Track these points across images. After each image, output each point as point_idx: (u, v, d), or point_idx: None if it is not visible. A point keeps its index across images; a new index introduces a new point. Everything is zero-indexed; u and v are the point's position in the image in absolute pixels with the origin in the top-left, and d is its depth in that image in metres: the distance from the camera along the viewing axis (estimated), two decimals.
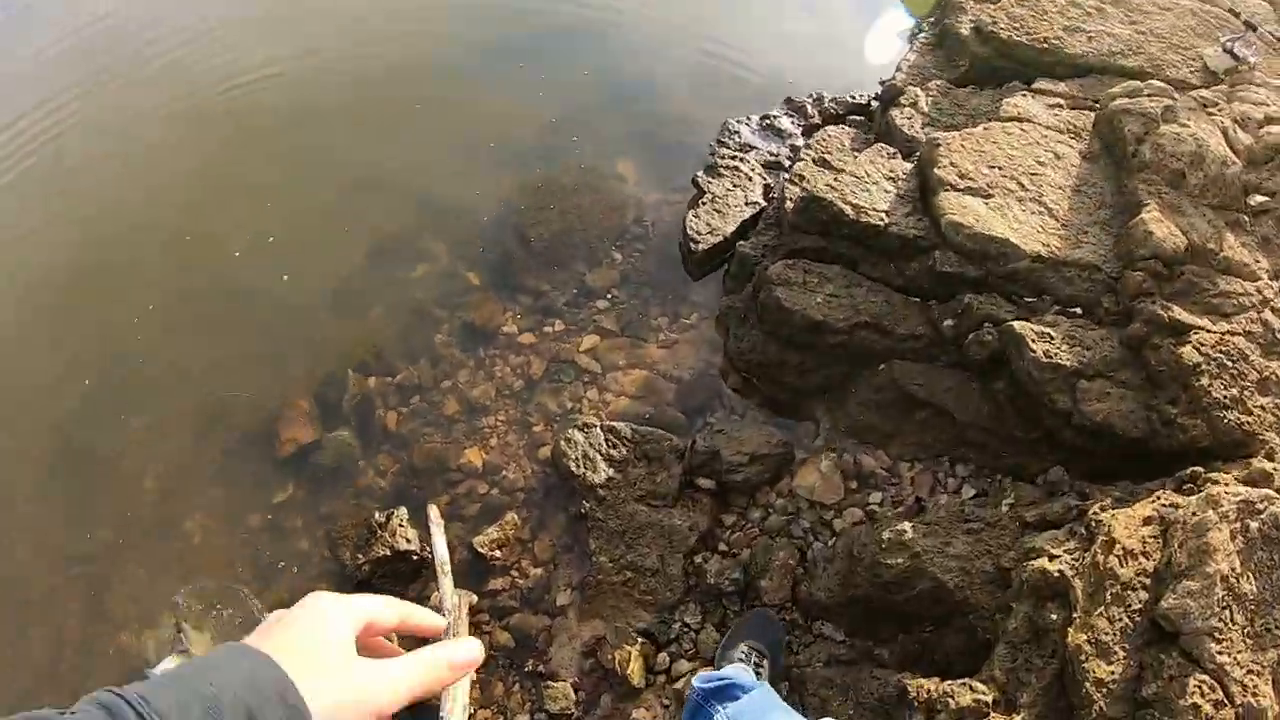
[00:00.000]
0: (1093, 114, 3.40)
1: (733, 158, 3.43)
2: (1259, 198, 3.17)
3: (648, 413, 3.00)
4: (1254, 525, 2.18)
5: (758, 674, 2.37)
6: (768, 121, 3.62)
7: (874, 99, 3.67)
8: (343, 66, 3.92)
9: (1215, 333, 2.79)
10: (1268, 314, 2.87)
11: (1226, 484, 2.51)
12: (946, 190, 2.97)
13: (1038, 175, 3.10)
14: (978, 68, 3.50)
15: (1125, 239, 2.96)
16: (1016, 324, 2.79)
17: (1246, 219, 3.08)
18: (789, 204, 3.08)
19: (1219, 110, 3.37)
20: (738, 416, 2.98)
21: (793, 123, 3.63)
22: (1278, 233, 3.11)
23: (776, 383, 2.97)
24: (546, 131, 3.69)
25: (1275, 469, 2.60)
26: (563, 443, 2.92)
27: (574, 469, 2.87)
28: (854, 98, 3.76)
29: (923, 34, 3.69)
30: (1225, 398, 2.62)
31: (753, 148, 3.53)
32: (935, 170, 3.00)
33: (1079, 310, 2.92)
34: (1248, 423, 2.63)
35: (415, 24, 4.07)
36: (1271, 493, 2.35)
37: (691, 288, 3.29)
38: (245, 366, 3.24)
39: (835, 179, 3.02)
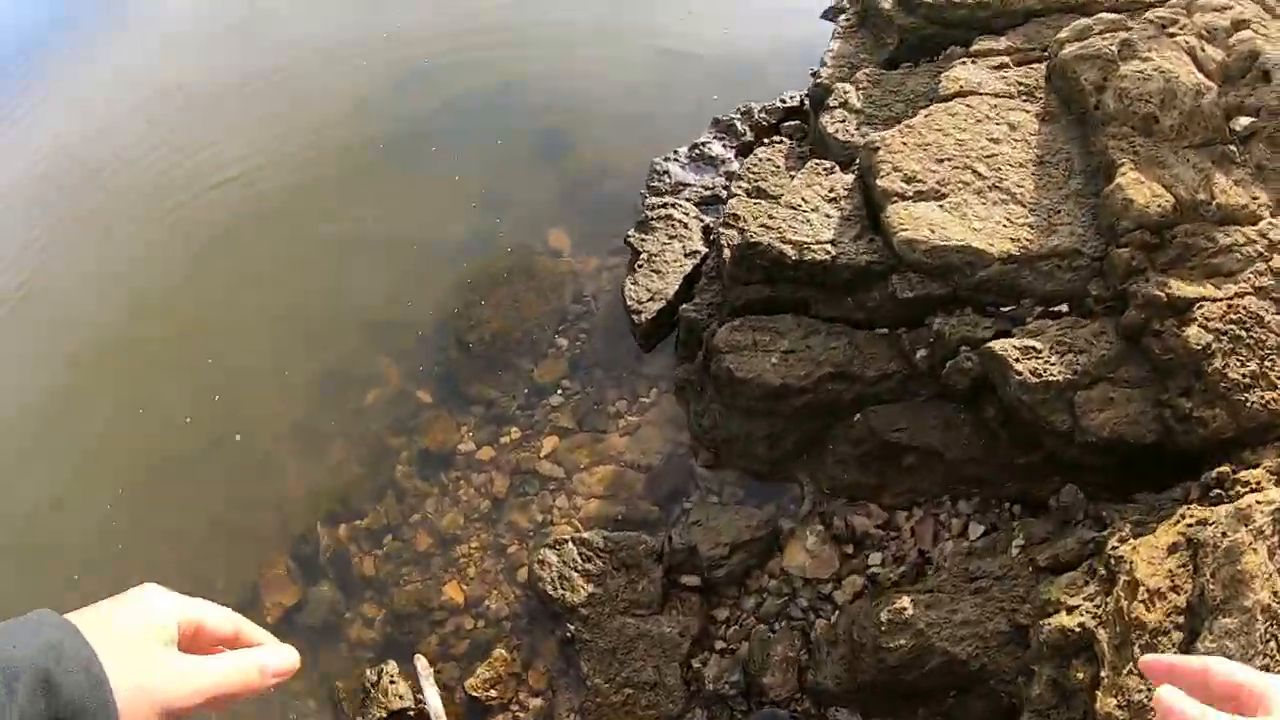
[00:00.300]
0: (1043, 65, 2.96)
1: (664, 206, 3.11)
2: (1244, 120, 2.72)
3: (619, 513, 2.75)
4: None
5: None
6: (697, 151, 3.28)
7: (804, 98, 3.29)
8: (246, 194, 3.70)
9: (1222, 299, 2.40)
10: (1277, 260, 2.44)
11: (1259, 484, 2.16)
12: (893, 202, 2.61)
13: (994, 156, 2.71)
14: (908, 42, 3.11)
15: (1103, 211, 2.56)
16: (996, 344, 2.44)
17: (1234, 149, 2.64)
18: (727, 252, 2.75)
19: (1180, 28, 2.91)
20: (714, 497, 2.70)
21: (724, 145, 3.29)
22: (1272, 155, 2.67)
23: (748, 455, 2.67)
24: (470, 216, 3.43)
25: None
26: (537, 566, 2.69)
27: (551, 592, 2.64)
28: (784, 101, 3.40)
29: (844, 16, 3.28)
30: (1244, 376, 2.25)
31: (685, 185, 3.20)
32: (878, 181, 2.65)
33: (1065, 307, 2.55)
34: (1275, 400, 2.26)
35: (309, 134, 3.82)
36: None
37: (645, 360, 3.01)
38: (216, 537, 3.10)
39: (771, 214, 2.69)
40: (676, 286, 2.92)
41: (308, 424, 3.25)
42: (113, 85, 4.45)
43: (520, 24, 4.16)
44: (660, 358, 3.02)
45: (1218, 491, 2.25)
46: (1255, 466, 2.24)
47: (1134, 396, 2.42)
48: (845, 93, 3.00)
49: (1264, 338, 2.37)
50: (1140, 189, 2.53)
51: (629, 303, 2.94)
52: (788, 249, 2.64)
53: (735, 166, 3.22)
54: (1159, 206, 2.49)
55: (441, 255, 3.35)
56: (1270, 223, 2.57)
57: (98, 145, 4.10)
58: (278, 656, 0.75)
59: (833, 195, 2.77)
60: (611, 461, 2.85)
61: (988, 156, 2.72)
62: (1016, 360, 2.43)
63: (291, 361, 3.33)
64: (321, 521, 3.08)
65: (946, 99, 2.87)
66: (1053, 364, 2.42)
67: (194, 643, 0.72)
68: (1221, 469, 2.26)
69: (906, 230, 2.55)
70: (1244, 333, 2.36)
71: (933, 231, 2.55)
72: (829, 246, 2.63)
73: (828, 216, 2.71)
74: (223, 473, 3.20)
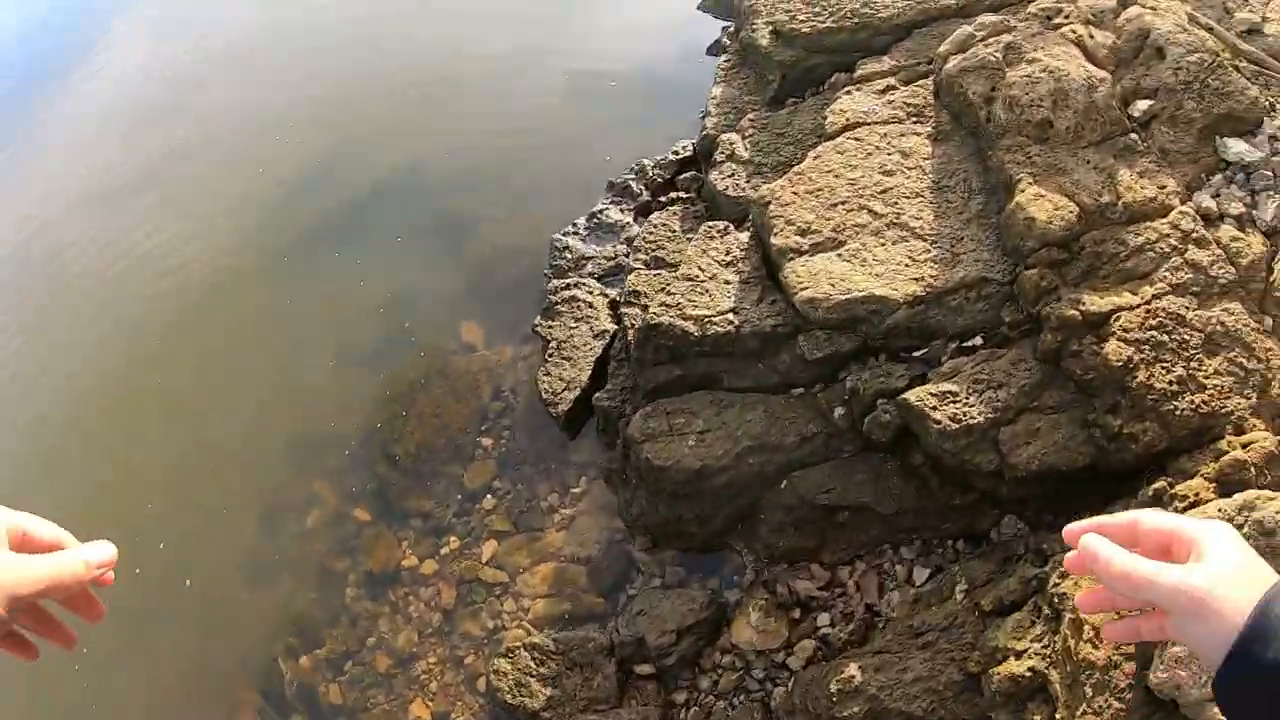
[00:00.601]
0: (930, 80, 2.80)
1: (567, 288, 2.99)
2: (1142, 104, 2.57)
3: (566, 610, 2.66)
4: None
5: None
6: (595, 220, 3.16)
7: (694, 145, 3.15)
8: (154, 333, 3.59)
9: (1139, 306, 2.27)
10: (1192, 251, 2.31)
11: (1198, 496, 2.05)
12: (791, 259, 2.48)
13: (888, 191, 2.57)
14: (791, 77, 2.96)
15: (1007, 233, 2.42)
16: (912, 394, 2.31)
17: (1136, 138, 2.50)
18: (631, 333, 2.63)
19: (1066, 17, 2.75)
20: (657, 579, 2.60)
21: (622, 210, 3.16)
22: (1174, 136, 2.52)
23: (682, 535, 2.56)
24: (380, 323, 3.32)
25: (1247, 449, 2.08)
26: (493, 676, 2.61)
27: (511, 700, 2.55)
28: (677, 152, 3.27)
29: (725, 56, 3.13)
30: (1171, 383, 2.11)
31: (587, 259, 3.08)
32: (772, 239, 2.52)
33: (979, 340, 2.41)
34: (1204, 402, 2.12)
35: (207, 259, 3.70)
36: (1251, 498, 1.86)
37: (571, 448, 2.91)
38: (185, 687, 3.03)
39: (670, 289, 2.58)
40: (589, 372, 2.81)
41: (254, 559, 3.18)
42: None
43: (407, 104, 4.03)
44: (586, 443, 2.91)
45: (1158, 508, 2.12)
46: (1193, 475, 2.12)
47: (1060, 421, 2.28)
48: (731, 144, 2.86)
49: (1187, 337, 2.23)
50: (1041, 204, 2.38)
51: (544, 396, 2.82)
52: (689, 326, 2.52)
53: (635, 230, 3.09)
54: (1063, 219, 2.35)
55: (358, 367, 3.25)
56: (1181, 211, 2.42)
57: None
58: (97, 549, 0.82)
59: (729, 258, 2.63)
60: (552, 558, 2.75)
61: (882, 192, 2.58)
62: (934, 409, 2.29)
63: (229, 497, 3.25)
64: (282, 656, 3.00)
65: (834, 136, 2.73)
66: (972, 406, 2.29)
67: (23, 548, 0.78)
68: (1158, 484, 2.13)
69: (807, 289, 2.42)
70: (1166, 337, 2.22)
71: (834, 286, 2.41)
72: (731, 316, 2.51)
73: (726, 283, 2.57)
74: (181, 621, 3.13)
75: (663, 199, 3.12)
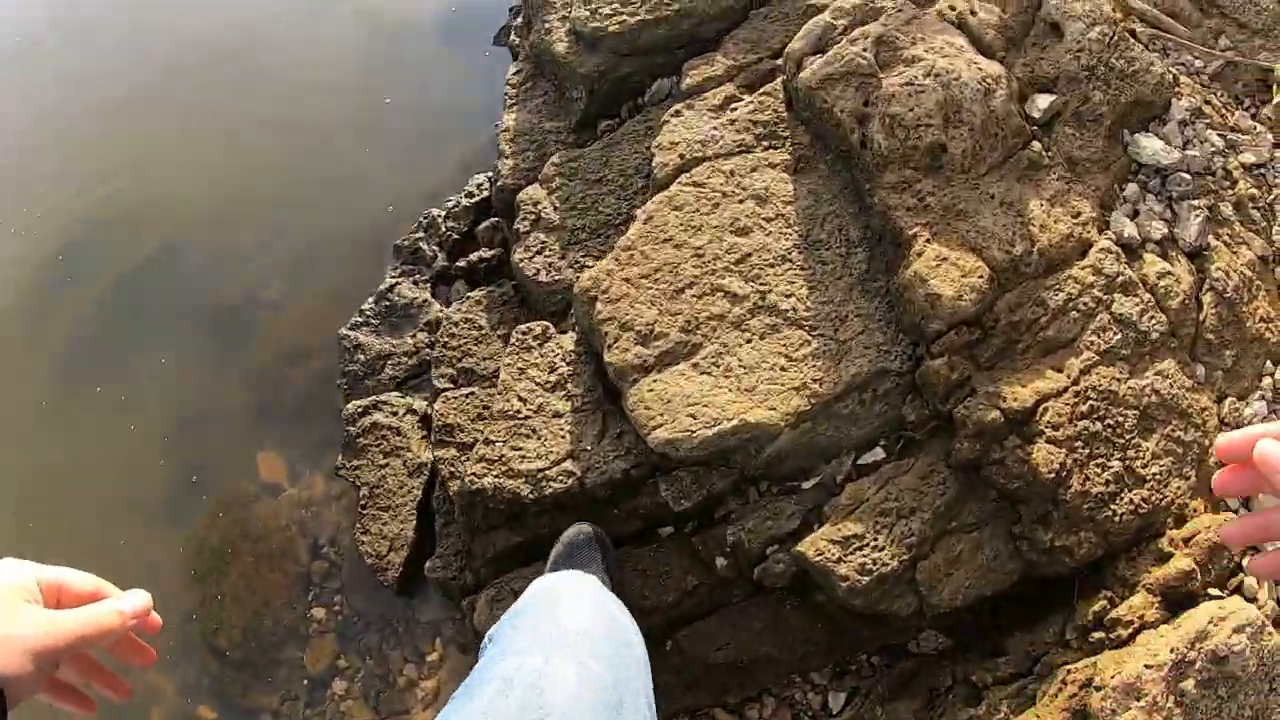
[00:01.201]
0: (779, 82, 2.08)
1: (366, 411, 2.24)
2: (1042, 100, 2.00)
3: None
4: (1189, 684, 1.52)
5: None
6: (386, 301, 2.36)
7: (490, 187, 2.36)
8: None
9: (1068, 388, 1.84)
10: (1119, 302, 1.89)
11: (1142, 619, 1.69)
12: (634, 380, 1.84)
13: (746, 258, 1.93)
14: (601, 92, 2.18)
15: (903, 308, 1.84)
16: (808, 546, 1.81)
17: (1040, 148, 1.93)
18: (451, 492, 1.95)
19: None
20: None
21: (416, 282, 2.38)
22: (1082, 138, 2.01)
23: None
24: (163, 476, 2.52)
25: (1190, 545, 1.77)
26: None
27: None
28: (471, 194, 2.46)
29: (514, 67, 2.27)
30: (1108, 483, 1.74)
31: (384, 358, 2.31)
32: (607, 357, 1.84)
33: (881, 451, 1.86)
34: (1144, 499, 1.76)
35: None
36: (1203, 624, 1.57)
37: (416, 605, 2.30)
38: None
39: (487, 439, 1.90)
40: (414, 523, 2.13)
41: None
42: None
43: (156, 174, 2.95)
44: (430, 599, 2.27)
45: (1099, 634, 1.75)
46: (1134, 587, 1.76)
47: (983, 539, 1.83)
48: (536, 205, 2.08)
49: (1121, 419, 1.78)
50: (945, 272, 1.79)
51: (368, 560, 2.14)
52: (520, 486, 1.86)
53: (435, 308, 2.31)
54: (974, 290, 1.78)
55: (150, 540, 2.45)
56: (1102, 249, 1.89)
57: None
58: (131, 598, 0.81)
59: (555, 377, 1.94)
60: None
61: (739, 262, 1.92)
62: (838, 561, 1.78)
63: (42, 713, 2.47)
64: None
65: (668, 182, 1.99)
66: (882, 549, 1.79)
67: (61, 603, 0.77)
68: (1097, 605, 1.75)
69: (660, 428, 1.78)
70: (1099, 425, 1.77)
71: (695, 417, 1.78)
72: (569, 465, 1.86)
73: (557, 416, 1.90)
74: None
75: (461, 263, 2.35)
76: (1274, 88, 2.21)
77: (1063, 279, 1.86)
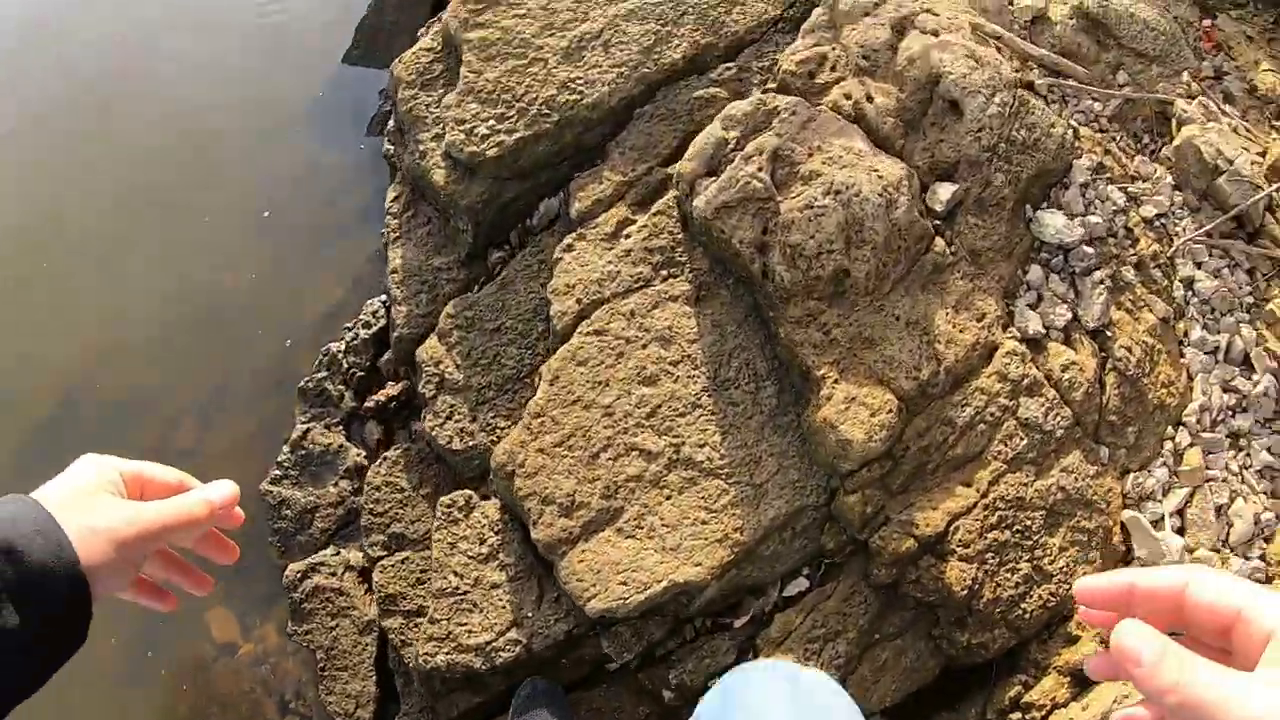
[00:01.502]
0: (671, 196, 1.95)
1: (306, 574, 2.19)
2: (944, 191, 1.96)
3: None
4: None
5: None
6: (302, 450, 2.27)
7: (386, 309, 2.22)
8: None
9: (977, 503, 1.89)
10: (1024, 406, 1.91)
11: (1055, 702, 1.82)
12: (564, 553, 1.84)
13: (657, 410, 1.90)
14: (487, 221, 2.01)
15: (815, 450, 1.83)
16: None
17: (943, 245, 1.88)
18: (408, 664, 1.99)
19: (833, 69, 1.93)
20: None
21: (329, 425, 2.27)
22: (985, 227, 1.99)
23: None
24: (116, 658, 2.41)
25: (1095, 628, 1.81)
26: None
27: None
28: (369, 324, 2.29)
29: (393, 192, 2.07)
30: (1018, 584, 1.84)
31: (311, 511, 2.26)
32: (533, 531, 1.84)
33: (805, 582, 1.91)
34: (1052, 593, 1.84)
35: None
36: (1109, 700, 1.72)
37: None
38: None
39: (432, 618, 1.91)
40: (374, 678, 2.15)
41: None
42: None
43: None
44: None
45: (1015, 716, 1.91)
46: (1047, 669, 1.91)
47: (905, 644, 1.94)
48: (438, 364, 1.97)
49: (1029, 521, 1.86)
50: (855, 415, 1.78)
51: (338, 718, 2.17)
52: (472, 659, 1.90)
53: (353, 453, 2.23)
54: (883, 428, 1.78)
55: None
56: (1008, 351, 1.88)
57: None
58: (217, 488, 0.77)
59: (486, 549, 1.93)
60: None
61: (650, 415, 1.88)
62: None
63: None
64: None
65: (566, 335, 1.89)
66: (800, 654, 1.86)
67: (145, 495, 0.74)
68: (1013, 691, 1.90)
69: (595, 598, 1.80)
70: (1008, 533, 1.84)
71: (626, 583, 1.81)
72: (514, 634, 1.89)
73: (494, 588, 1.90)
74: None
75: (370, 403, 2.24)
76: (1172, 123, 2.12)
77: (969, 392, 1.85)
